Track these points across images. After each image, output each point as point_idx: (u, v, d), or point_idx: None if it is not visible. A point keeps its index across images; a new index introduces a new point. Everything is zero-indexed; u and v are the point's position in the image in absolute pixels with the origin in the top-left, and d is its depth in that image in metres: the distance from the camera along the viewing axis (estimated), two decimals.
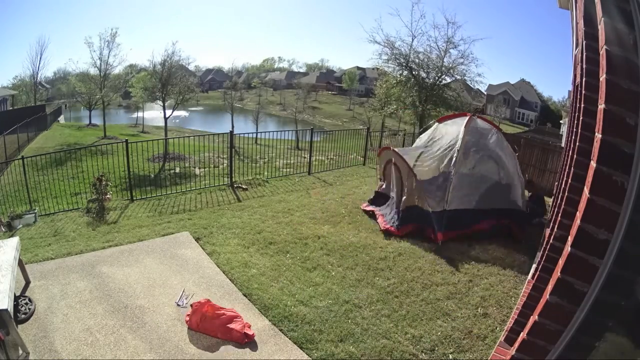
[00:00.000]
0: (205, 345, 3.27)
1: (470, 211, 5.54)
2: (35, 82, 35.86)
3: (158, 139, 18.28)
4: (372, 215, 6.30)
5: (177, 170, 14.59)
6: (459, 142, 5.69)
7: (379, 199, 6.62)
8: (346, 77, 64.13)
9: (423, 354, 3.21)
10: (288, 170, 11.40)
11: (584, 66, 1.90)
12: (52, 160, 14.23)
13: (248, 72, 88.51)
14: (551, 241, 2.64)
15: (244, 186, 8.10)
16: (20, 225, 6.06)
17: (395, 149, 6.15)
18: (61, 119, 34.23)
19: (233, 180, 8.39)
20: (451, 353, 3.22)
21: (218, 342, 3.32)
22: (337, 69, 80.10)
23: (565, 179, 3.16)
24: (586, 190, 1.23)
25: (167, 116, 20.33)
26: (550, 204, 5.64)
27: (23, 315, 3.43)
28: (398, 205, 5.84)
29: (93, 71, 24.49)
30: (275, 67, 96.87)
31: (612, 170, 1.16)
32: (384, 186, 6.74)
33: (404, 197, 5.70)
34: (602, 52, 1.24)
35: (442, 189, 5.52)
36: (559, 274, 1.30)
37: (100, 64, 24.04)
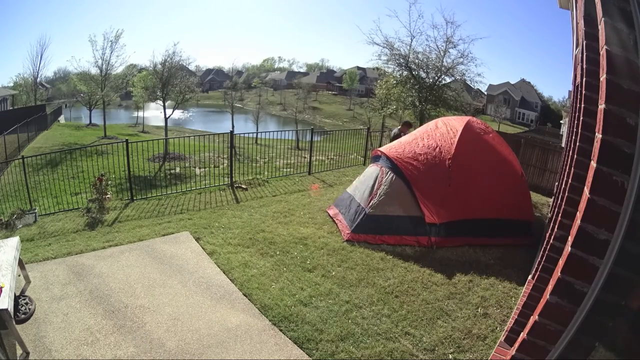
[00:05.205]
0: (205, 345, 3.27)
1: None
2: (35, 82, 35.84)
3: (158, 139, 18.27)
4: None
5: (177, 170, 14.58)
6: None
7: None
8: (346, 77, 64.11)
9: (423, 354, 3.21)
10: (288, 170, 11.39)
11: (585, 66, 1.90)
12: (52, 160, 14.24)
13: (248, 72, 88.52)
14: (551, 241, 2.65)
15: (244, 186, 8.10)
16: (21, 225, 6.07)
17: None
18: (61, 118, 34.24)
19: (233, 180, 8.39)
20: (451, 353, 3.22)
21: (219, 342, 3.32)
22: (337, 69, 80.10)
23: (565, 179, 3.16)
24: (586, 190, 1.23)
25: (167, 116, 20.31)
26: (551, 203, 5.60)
27: (23, 315, 3.43)
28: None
29: (94, 71, 24.50)
30: (276, 67, 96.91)
31: (612, 170, 1.16)
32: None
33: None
34: (603, 52, 1.24)
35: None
36: (559, 274, 1.30)
37: (102, 63, 24.06)
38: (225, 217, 6.19)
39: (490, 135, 6.18)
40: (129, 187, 7.45)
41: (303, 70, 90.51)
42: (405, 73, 16.34)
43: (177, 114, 28.40)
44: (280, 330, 3.48)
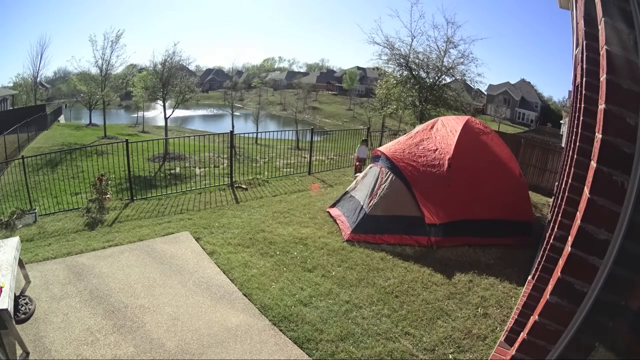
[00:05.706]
0: (205, 345, 3.27)
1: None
2: (35, 82, 35.81)
3: (158, 139, 18.26)
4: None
5: (177, 170, 14.58)
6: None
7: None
8: (346, 77, 64.04)
9: (423, 354, 3.21)
10: (288, 170, 11.40)
11: (585, 66, 1.90)
12: (52, 160, 14.24)
13: (248, 72, 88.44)
14: (551, 241, 2.65)
15: (244, 186, 8.10)
16: (20, 225, 6.07)
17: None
18: (61, 118, 34.22)
19: (233, 180, 8.39)
20: (451, 353, 3.22)
21: (219, 342, 3.32)
22: (337, 69, 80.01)
23: (565, 179, 3.16)
24: (586, 190, 1.23)
25: (167, 116, 20.30)
26: (551, 203, 5.59)
27: (23, 315, 3.43)
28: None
29: (94, 71, 24.48)
30: (276, 67, 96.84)
31: (612, 170, 1.16)
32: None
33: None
34: (603, 52, 1.24)
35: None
36: (559, 274, 1.30)
37: (102, 63, 24.04)
38: (225, 217, 6.19)
39: (489, 136, 6.18)
40: (129, 187, 7.45)
41: (303, 70, 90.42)
42: (405, 73, 16.34)
43: (180, 112, 28.33)
44: (280, 330, 3.48)
